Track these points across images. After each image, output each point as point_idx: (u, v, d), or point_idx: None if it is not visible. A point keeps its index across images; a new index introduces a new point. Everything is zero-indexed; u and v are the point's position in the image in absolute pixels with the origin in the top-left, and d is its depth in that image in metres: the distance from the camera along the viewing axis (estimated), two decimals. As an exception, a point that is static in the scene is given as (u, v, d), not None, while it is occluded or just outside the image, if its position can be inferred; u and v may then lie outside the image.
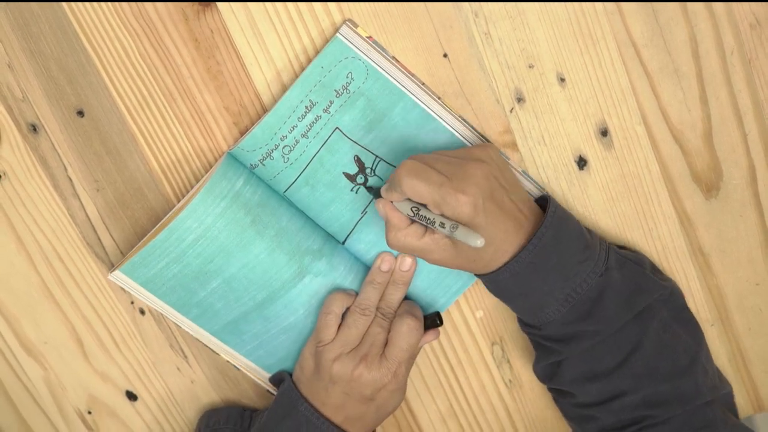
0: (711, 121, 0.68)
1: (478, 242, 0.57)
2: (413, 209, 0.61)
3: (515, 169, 0.68)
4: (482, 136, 0.68)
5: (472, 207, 0.59)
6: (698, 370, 0.65)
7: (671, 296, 0.67)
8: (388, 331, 0.67)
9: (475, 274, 0.65)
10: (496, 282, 0.64)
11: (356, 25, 0.65)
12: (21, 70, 0.65)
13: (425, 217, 0.60)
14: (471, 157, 0.61)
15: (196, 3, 0.64)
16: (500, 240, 0.61)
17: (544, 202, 0.66)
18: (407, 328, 0.66)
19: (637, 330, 0.64)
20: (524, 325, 0.68)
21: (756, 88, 0.67)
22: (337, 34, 0.64)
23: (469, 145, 0.67)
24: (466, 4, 0.65)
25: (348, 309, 0.68)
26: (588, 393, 0.65)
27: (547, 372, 0.68)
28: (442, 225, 0.59)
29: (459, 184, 0.59)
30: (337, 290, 0.68)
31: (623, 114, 0.68)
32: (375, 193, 0.67)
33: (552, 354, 0.66)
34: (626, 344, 0.64)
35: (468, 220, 0.59)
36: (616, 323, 0.64)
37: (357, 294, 0.68)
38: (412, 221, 0.62)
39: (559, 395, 0.69)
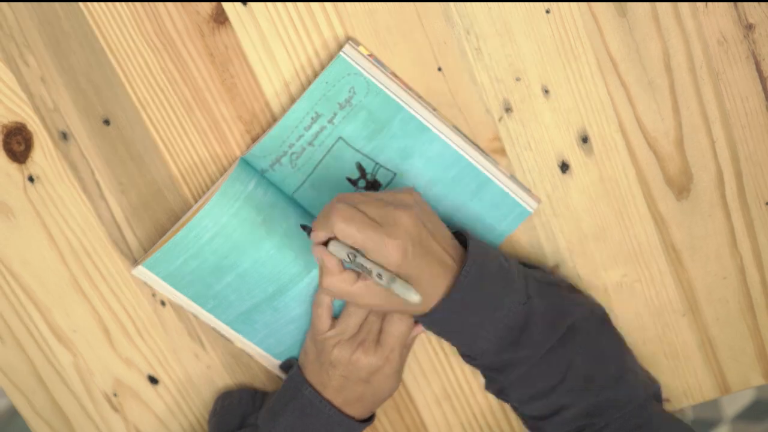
0: (682, 129, 0.71)
1: (415, 298, 0.58)
2: (349, 255, 0.60)
3: (503, 173, 0.71)
4: (474, 143, 0.71)
5: (402, 253, 0.59)
6: (628, 375, 0.69)
7: (591, 313, 0.70)
8: (383, 321, 0.69)
9: (409, 315, 0.67)
10: (432, 321, 0.65)
11: (358, 44, 0.68)
12: (52, 83, 0.69)
13: (362, 265, 0.60)
14: (397, 202, 0.62)
15: (212, 21, 0.68)
16: (429, 284, 0.62)
17: (462, 237, 0.67)
18: (397, 316, 0.68)
19: (566, 350, 0.66)
20: (465, 356, 0.69)
21: (723, 99, 0.70)
22: (341, 53, 0.67)
23: (462, 154, 0.70)
24: (459, 22, 0.69)
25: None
26: (534, 409, 0.69)
27: (496, 394, 0.71)
28: (380, 276, 0.59)
29: (390, 230, 0.59)
30: None
31: (602, 123, 0.71)
32: (308, 231, 0.65)
33: (495, 381, 0.69)
34: (559, 365, 0.66)
35: (397, 266, 0.60)
36: (544, 346, 0.66)
37: None
38: (346, 267, 0.62)
39: (513, 408, 0.72)
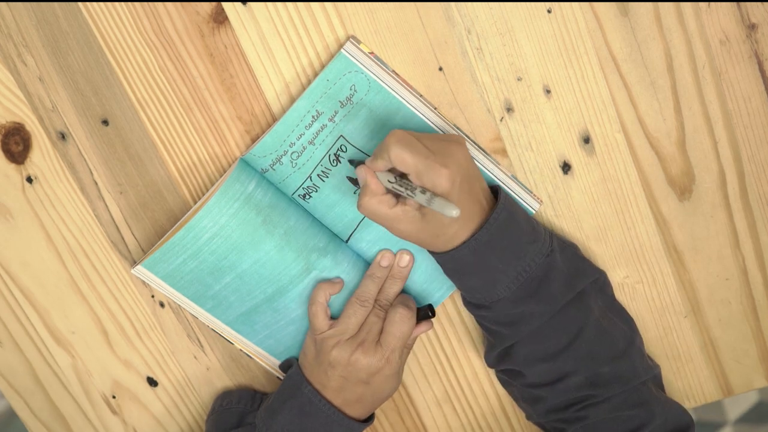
0: (684, 129, 0.71)
1: (454, 212, 0.59)
2: (395, 177, 0.62)
3: (505, 173, 0.71)
4: (475, 143, 0.71)
5: (450, 182, 0.61)
6: (635, 353, 0.69)
7: (604, 285, 0.70)
8: (384, 321, 0.70)
9: (432, 252, 0.67)
10: (456, 259, 0.65)
11: (359, 42, 0.68)
12: (51, 83, 0.69)
13: (405, 183, 0.61)
14: (452, 139, 0.64)
15: (212, 21, 0.68)
16: (463, 219, 0.63)
17: (494, 191, 0.68)
18: (399, 317, 0.69)
19: (578, 316, 0.67)
20: (474, 307, 0.69)
21: (725, 99, 0.70)
22: (342, 50, 0.67)
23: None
24: (460, 21, 0.69)
25: (349, 299, 0.70)
26: (537, 374, 0.68)
27: (501, 355, 0.70)
28: (423, 192, 0.60)
29: (442, 159, 0.61)
30: (322, 281, 0.70)
31: (604, 123, 0.71)
32: (357, 162, 0.67)
33: (504, 339, 0.68)
34: (569, 329, 0.67)
35: (444, 193, 0.61)
36: (559, 302, 0.66)
37: (341, 281, 0.70)
38: (388, 191, 0.63)
39: (511, 377, 0.71)
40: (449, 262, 0.67)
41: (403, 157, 0.61)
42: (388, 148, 0.61)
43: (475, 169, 0.65)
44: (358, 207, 0.64)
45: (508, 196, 0.67)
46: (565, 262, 0.67)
